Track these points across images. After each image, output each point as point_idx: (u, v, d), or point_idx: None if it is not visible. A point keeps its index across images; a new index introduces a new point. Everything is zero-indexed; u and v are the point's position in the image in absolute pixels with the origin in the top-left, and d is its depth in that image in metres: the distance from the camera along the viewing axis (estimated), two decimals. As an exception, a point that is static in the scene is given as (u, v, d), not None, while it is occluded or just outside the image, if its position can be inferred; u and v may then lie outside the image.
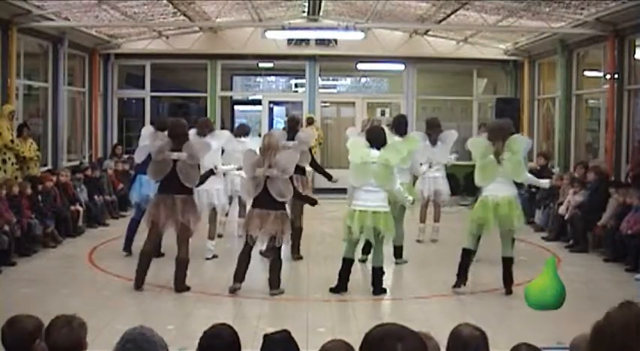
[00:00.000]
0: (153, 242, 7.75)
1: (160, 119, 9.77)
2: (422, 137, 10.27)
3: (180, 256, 7.62)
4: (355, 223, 7.33)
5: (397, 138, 8.50)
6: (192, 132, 9.09)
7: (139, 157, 8.66)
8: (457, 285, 7.56)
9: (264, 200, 7.38)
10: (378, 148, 7.44)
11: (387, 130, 8.22)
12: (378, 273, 7.59)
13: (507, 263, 7.57)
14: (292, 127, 9.36)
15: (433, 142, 10.13)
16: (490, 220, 7.44)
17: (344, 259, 7.59)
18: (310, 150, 9.53)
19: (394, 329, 2.10)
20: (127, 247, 9.22)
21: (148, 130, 8.89)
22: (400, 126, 8.92)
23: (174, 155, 7.53)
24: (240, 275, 7.46)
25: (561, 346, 3.91)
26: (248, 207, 8.18)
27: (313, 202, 8.11)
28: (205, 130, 9.14)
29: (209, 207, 9.17)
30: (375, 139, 7.52)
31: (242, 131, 10.35)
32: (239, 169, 8.82)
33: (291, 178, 7.54)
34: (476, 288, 7.63)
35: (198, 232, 8.99)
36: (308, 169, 9.82)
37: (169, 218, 7.53)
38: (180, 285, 7.59)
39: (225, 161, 9.33)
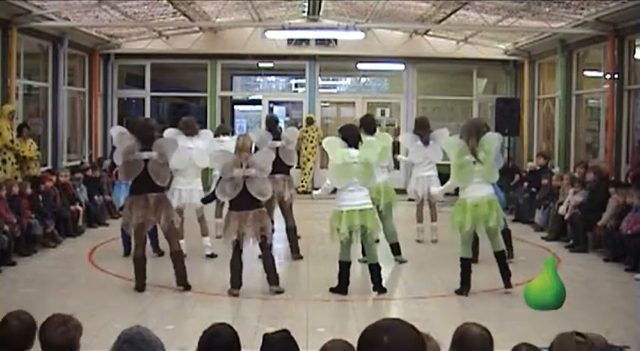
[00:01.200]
0: (142, 246, 7.72)
1: (132, 119, 9.58)
2: (413, 138, 10.28)
3: (173, 249, 7.68)
4: (344, 224, 7.33)
5: (369, 138, 8.56)
6: (174, 131, 9.07)
7: (118, 160, 8.58)
8: (460, 292, 7.55)
9: (242, 201, 7.39)
10: (356, 147, 7.46)
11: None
12: (375, 270, 7.60)
13: (501, 256, 7.58)
14: (271, 127, 9.40)
15: (425, 143, 10.15)
16: (468, 222, 7.42)
17: (340, 263, 7.60)
18: (310, 150, 9.56)
19: (385, 323, 2.09)
20: (127, 252, 9.18)
21: (117, 130, 8.60)
22: (368, 125, 8.98)
23: (145, 155, 7.51)
24: (236, 281, 7.47)
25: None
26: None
27: None
28: (191, 129, 9.14)
29: (189, 206, 9.15)
30: (352, 138, 7.54)
31: (221, 131, 10.40)
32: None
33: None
34: (476, 288, 7.62)
35: (191, 232, 9.01)
36: (307, 169, 9.84)
37: (143, 217, 7.51)
38: (183, 279, 7.60)
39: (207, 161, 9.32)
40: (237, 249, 7.47)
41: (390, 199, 9.10)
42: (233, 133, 10.52)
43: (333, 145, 7.57)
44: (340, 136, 7.63)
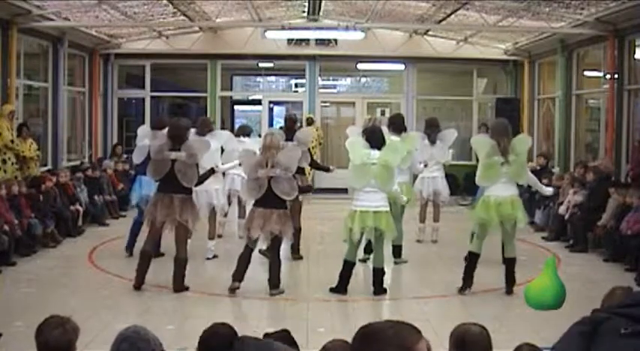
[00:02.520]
0: (153, 242, 7.76)
1: (157, 118, 9.76)
2: (421, 137, 10.29)
3: (178, 255, 7.64)
4: (356, 224, 7.32)
5: (395, 137, 8.49)
6: (191, 131, 9.10)
7: (137, 158, 8.63)
8: (463, 289, 7.56)
9: (268, 199, 7.39)
10: (378, 149, 7.43)
11: (384, 129, 8.21)
12: (378, 273, 7.59)
13: (510, 264, 7.57)
14: (290, 126, 9.37)
15: (432, 142, 10.15)
16: (493, 220, 7.43)
17: (345, 261, 7.59)
18: (309, 150, 9.52)
19: (374, 329, 2.03)
20: (129, 248, 9.19)
21: (145, 129, 8.84)
22: (398, 125, 8.92)
23: (173, 155, 7.53)
24: (239, 275, 7.46)
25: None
26: (248, 208, 8.17)
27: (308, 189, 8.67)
28: (205, 129, 9.15)
29: (208, 207, 9.16)
30: (375, 139, 7.51)
31: (243, 131, 10.37)
32: (241, 164, 8.86)
33: (293, 176, 7.57)
34: (476, 288, 7.62)
35: (197, 233, 9.00)
36: (308, 168, 9.85)
37: (167, 217, 7.53)
38: (179, 285, 7.59)
39: (224, 161, 9.34)
40: (249, 247, 7.48)
41: (409, 196, 9.05)
42: (249, 135, 10.41)
43: (355, 145, 7.55)
44: (364, 138, 7.60)
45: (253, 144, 9.49)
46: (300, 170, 9.12)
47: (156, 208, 7.57)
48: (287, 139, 9.06)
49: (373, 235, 7.45)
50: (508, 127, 7.68)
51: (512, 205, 7.46)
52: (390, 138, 8.26)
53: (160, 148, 7.60)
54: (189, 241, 8.46)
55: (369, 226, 7.34)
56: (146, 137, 8.42)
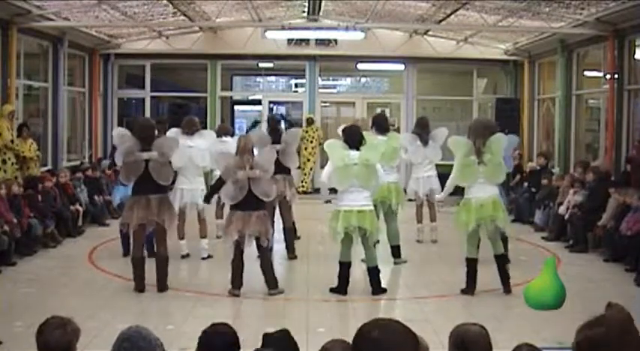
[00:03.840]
0: (141, 246, 7.71)
1: (134, 120, 9.63)
2: (412, 138, 10.26)
3: (159, 254, 7.63)
4: (340, 224, 7.31)
5: (380, 137, 8.51)
6: (176, 131, 9.08)
7: (119, 160, 8.59)
8: (466, 292, 7.56)
9: (246, 202, 7.36)
10: (357, 148, 7.44)
11: (366, 129, 8.27)
12: (374, 272, 7.59)
13: (501, 261, 7.57)
14: (273, 127, 9.39)
15: (425, 143, 10.13)
16: (473, 222, 7.42)
17: (341, 263, 7.59)
18: (299, 150, 9.51)
19: (378, 320, 2.05)
20: (126, 252, 9.16)
21: (118, 131, 8.65)
22: (380, 125, 8.94)
23: (145, 155, 7.47)
24: (237, 282, 7.45)
25: (561, 346, 3.92)
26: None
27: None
28: (192, 128, 9.14)
29: (191, 206, 9.14)
30: (353, 139, 7.51)
31: (223, 131, 10.32)
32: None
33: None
34: (476, 288, 7.62)
35: (196, 230, 9.01)
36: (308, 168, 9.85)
37: (145, 218, 7.49)
38: (163, 284, 7.56)
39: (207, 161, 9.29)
40: (239, 249, 7.45)
41: (399, 199, 9.08)
42: (233, 134, 10.43)
43: (334, 147, 7.56)
44: (343, 138, 7.60)
45: (234, 143, 9.51)
46: (286, 170, 9.14)
47: (132, 211, 7.52)
48: (273, 141, 9.04)
49: (359, 234, 7.44)
50: (487, 127, 7.65)
51: (493, 205, 7.43)
52: (377, 138, 8.29)
53: (130, 149, 7.51)
54: (184, 241, 8.47)
55: (352, 226, 7.34)
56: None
